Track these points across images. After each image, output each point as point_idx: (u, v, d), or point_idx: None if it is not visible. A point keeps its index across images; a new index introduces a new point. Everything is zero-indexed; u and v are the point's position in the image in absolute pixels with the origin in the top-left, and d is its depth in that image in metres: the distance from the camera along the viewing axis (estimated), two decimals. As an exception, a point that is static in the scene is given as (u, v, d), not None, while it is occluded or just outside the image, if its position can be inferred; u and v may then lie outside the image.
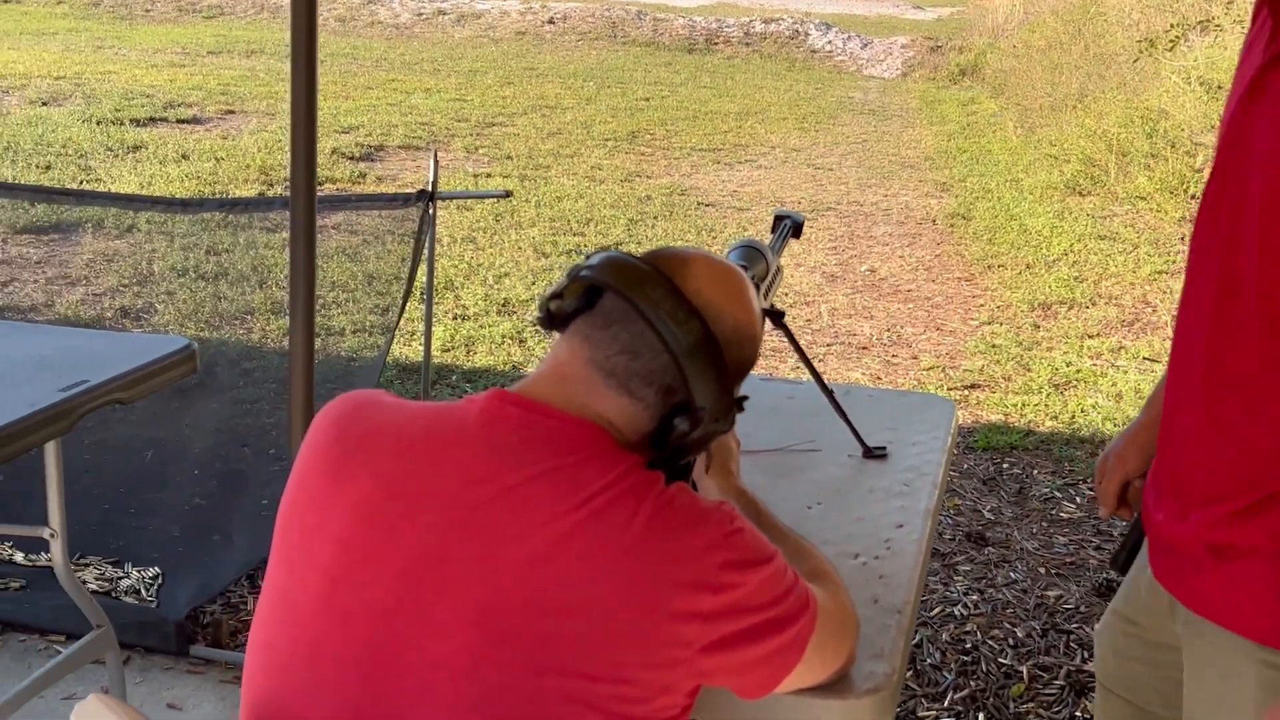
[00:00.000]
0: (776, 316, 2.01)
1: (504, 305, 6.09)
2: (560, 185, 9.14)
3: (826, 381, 2.19)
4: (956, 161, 11.08)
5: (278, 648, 1.26)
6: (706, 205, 8.87)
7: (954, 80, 17.65)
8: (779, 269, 2.02)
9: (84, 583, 3.32)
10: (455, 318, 5.82)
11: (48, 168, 8.51)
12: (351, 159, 9.68)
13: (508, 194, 4.32)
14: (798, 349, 2.18)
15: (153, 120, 10.61)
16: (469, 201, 8.22)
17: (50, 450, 2.45)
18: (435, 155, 3.96)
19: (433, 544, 1.21)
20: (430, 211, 4.05)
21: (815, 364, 2.40)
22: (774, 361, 5.28)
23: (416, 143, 10.58)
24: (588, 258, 1.41)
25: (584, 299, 1.36)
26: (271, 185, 8.57)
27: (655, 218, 8.31)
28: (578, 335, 1.35)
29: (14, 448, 2.10)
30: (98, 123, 10.16)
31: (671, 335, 1.30)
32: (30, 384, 2.27)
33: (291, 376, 2.75)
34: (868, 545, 1.81)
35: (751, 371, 1.48)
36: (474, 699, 1.17)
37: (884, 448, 2.15)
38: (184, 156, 9.14)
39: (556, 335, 1.40)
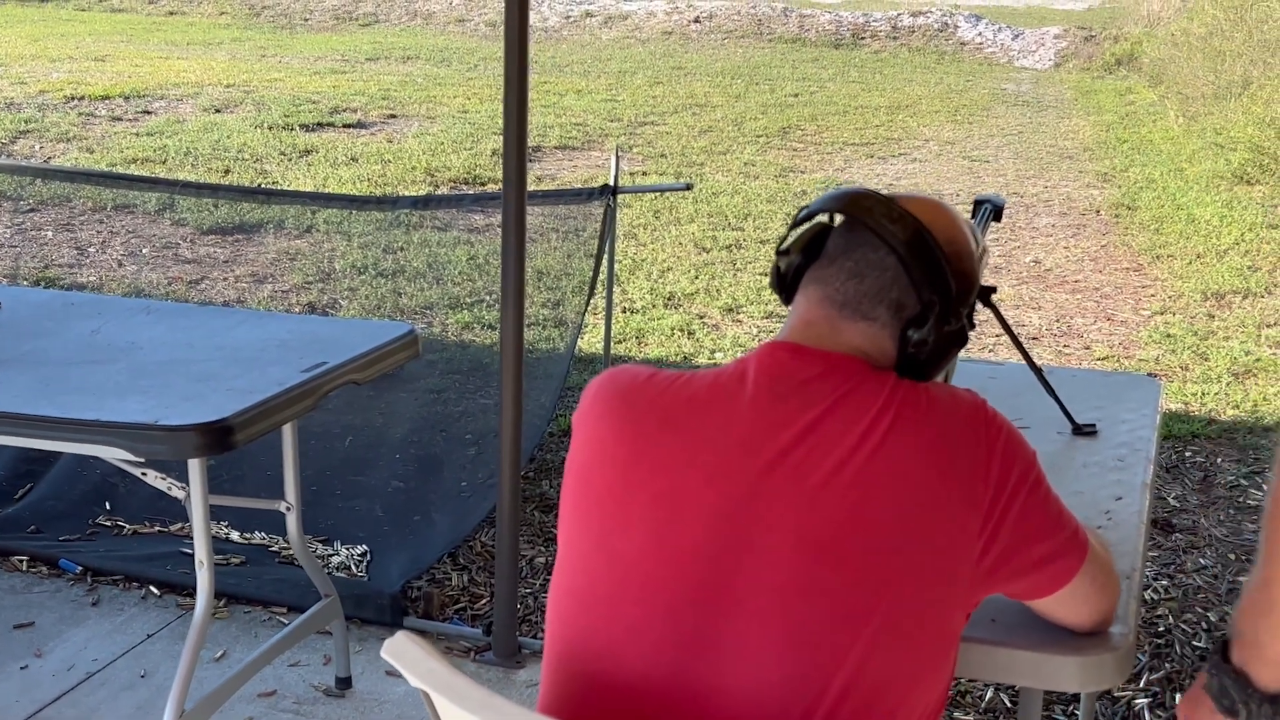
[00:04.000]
0: (986, 293, 2.07)
1: (670, 299, 6.19)
2: (715, 182, 9.22)
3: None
4: (1117, 152, 10.88)
5: (599, 590, 1.37)
6: (863, 199, 8.86)
7: (1109, 70, 17.31)
8: (985, 249, 2.08)
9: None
10: (624, 310, 5.94)
11: (226, 172, 8.89)
12: (511, 159, 9.89)
13: (689, 186, 4.43)
14: (1006, 327, 2.23)
15: (320, 125, 10.98)
16: (627, 199, 8.34)
17: (288, 429, 2.62)
18: (618, 152, 4.09)
19: (746, 486, 1.33)
20: (613, 205, 4.19)
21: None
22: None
23: (572, 143, 10.77)
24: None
25: (806, 252, 1.51)
26: (437, 186, 8.82)
27: (813, 212, 8.33)
28: (809, 283, 1.49)
29: (267, 424, 2.26)
30: (269, 128, 10.56)
31: (889, 233, 1.42)
32: (276, 365, 2.43)
33: (503, 362, 2.89)
34: (1089, 516, 1.85)
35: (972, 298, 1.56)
36: (801, 617, 1.29)
37: (1093, 424, 2.19)
38: (353, 159, 9.45)
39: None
